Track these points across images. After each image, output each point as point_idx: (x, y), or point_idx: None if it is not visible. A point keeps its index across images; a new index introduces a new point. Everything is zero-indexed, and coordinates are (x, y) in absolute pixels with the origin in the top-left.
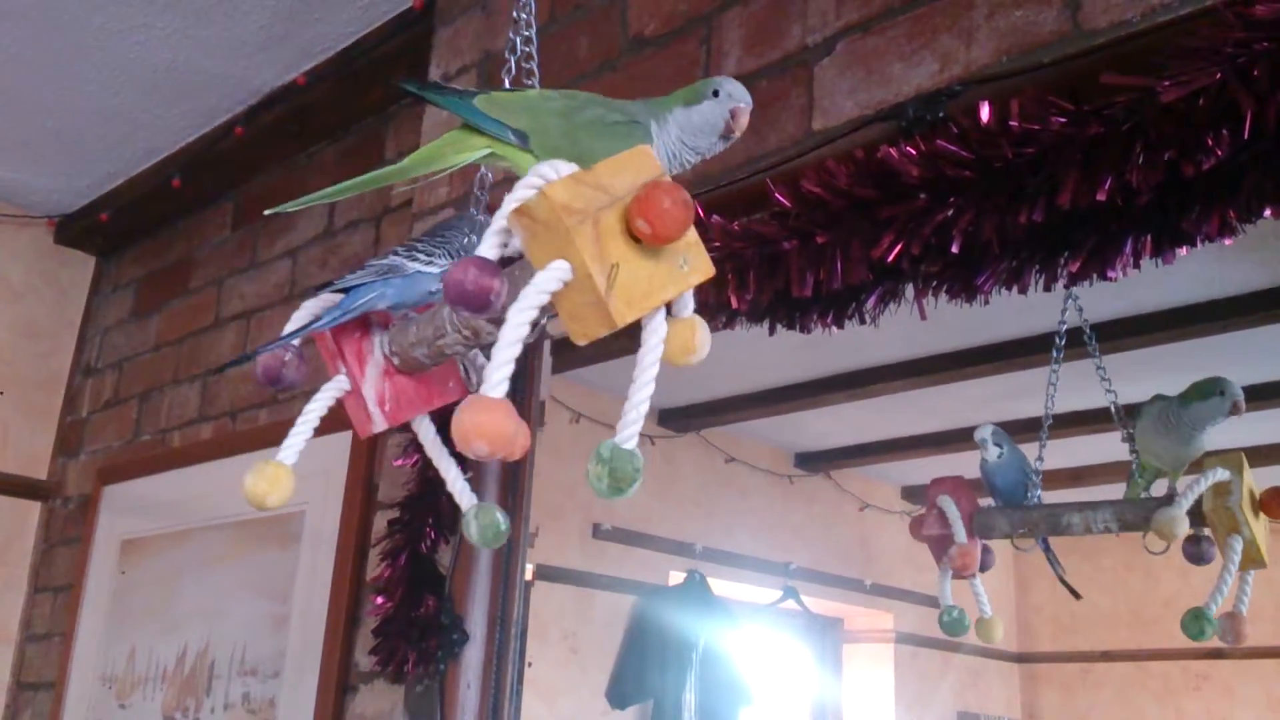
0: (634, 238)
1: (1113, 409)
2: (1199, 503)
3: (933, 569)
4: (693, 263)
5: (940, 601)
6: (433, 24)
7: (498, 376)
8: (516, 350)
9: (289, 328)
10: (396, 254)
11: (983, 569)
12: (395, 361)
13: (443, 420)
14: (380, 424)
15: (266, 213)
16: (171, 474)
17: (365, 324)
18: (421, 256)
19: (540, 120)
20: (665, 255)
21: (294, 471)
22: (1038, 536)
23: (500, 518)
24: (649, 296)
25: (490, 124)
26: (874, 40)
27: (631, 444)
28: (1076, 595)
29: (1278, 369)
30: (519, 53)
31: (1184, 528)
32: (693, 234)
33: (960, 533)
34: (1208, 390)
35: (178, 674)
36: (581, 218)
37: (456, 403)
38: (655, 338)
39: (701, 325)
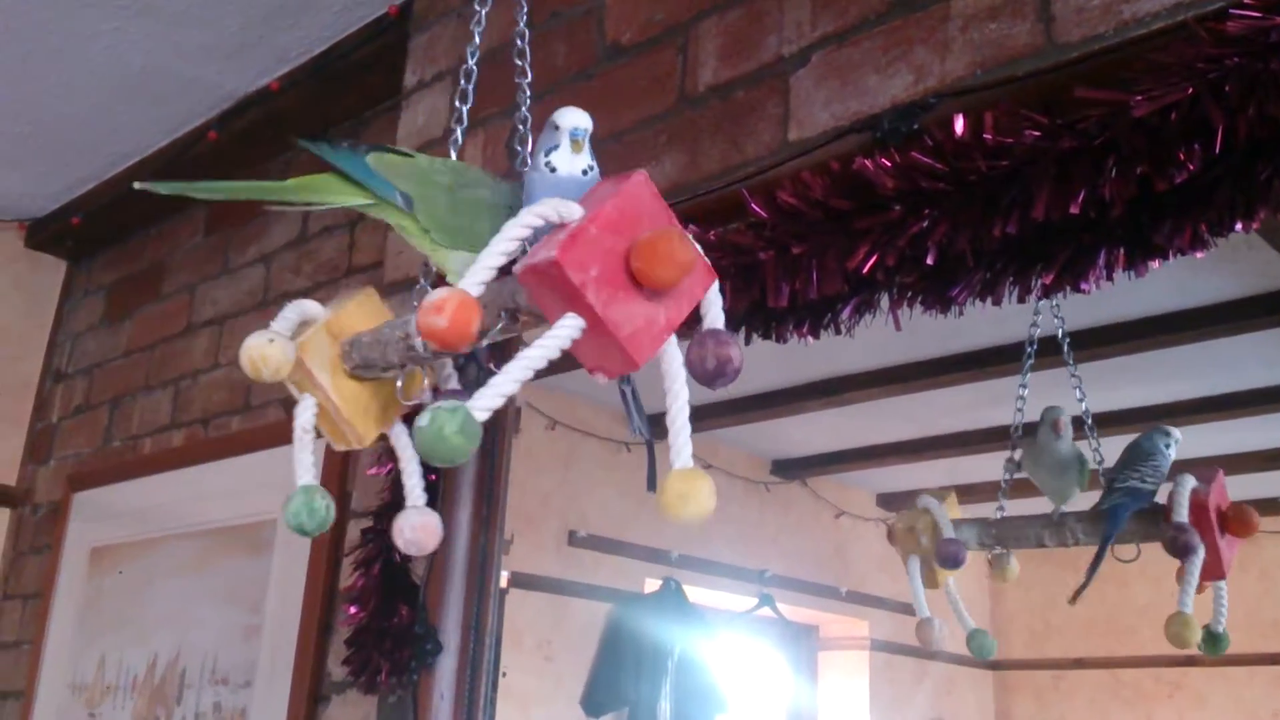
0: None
1: (1084, 416)
2: None
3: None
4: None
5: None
6: (408, 30)
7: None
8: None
9: None
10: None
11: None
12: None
13: None
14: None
15: (136, 185)
16: (142, 481)
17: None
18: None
19: (427, 189)
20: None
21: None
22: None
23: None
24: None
25: (380, 184)
26: (849, 51)
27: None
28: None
29: (1251, 378)
30: (520, 50)
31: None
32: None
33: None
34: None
35: (148, 682)
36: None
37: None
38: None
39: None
